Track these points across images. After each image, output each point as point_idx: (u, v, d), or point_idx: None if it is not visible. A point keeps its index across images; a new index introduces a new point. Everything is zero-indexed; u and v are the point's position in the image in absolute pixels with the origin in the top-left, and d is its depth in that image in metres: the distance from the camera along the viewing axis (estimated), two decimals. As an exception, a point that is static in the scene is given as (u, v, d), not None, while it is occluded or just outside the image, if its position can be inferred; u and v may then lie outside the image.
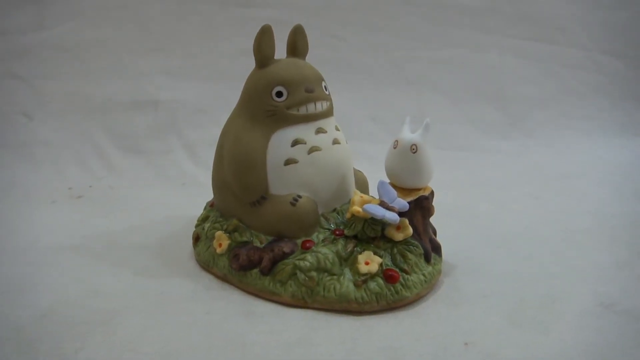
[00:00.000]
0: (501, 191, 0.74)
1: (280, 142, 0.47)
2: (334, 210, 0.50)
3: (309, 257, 0.46)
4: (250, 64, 0.91)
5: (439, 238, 0.53)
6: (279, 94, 0.47)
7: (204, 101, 0.86)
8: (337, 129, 0.51)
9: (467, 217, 0.65)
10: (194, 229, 0.56)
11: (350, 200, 0.51)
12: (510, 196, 0.72)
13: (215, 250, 0.50)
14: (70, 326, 0.43)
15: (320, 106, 0.49)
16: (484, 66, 0.93)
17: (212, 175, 0.53)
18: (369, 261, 0.45)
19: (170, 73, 0.86)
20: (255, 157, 0.47)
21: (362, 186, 0.54)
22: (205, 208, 0.57)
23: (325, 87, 0.50)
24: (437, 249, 0.49)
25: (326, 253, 0.46)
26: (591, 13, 0.95)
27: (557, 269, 0.52)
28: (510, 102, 0.92)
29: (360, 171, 0.56)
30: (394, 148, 0.47)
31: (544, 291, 0.47)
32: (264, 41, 0.48)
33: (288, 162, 0.47)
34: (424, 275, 0.46)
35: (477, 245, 0.57)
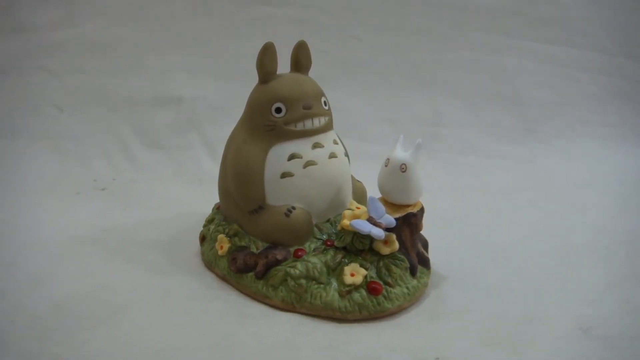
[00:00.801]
0: (505, 199, 0.74)
1: (278, 156, 0.50)
2: (328, 220, 0.53)
3: (299, 265, 0.49)
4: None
5: (433, 247, 0.55)
6: (278, 110, 0.50)
7: (224, 99, 0.89)
8: (336, 143, 0.53)
9: (465, 226, 0.66)
10: (202, 228, 0.60)
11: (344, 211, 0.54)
12: (513, 205, 0.73)
13: (217, 251, 0.54)
14: (81, 318, 0.48)
15: (318, 122, 0.51)
16: (502, 69, 0.92)
17: (218, 182, 0.56)
18: (354, 273, 0.48)
19: (191, 71, 0.90)
20: (253, 170, 0.50)
21: (360, 196, 0.57)
22: (213, 209, 0.61)
23: (325, 102, 0.53)
24: (424, 262, 0.52)
25: (315, 263, 0.49)
26: (615, 16, 0.92)
27: (544, 287, 0.53)
28: (527, 107, 0.92)
29: (359, 181, 0.58)
30: (385, 166, 0.49)
31: (525, 310, 0.49)
32: (266, 58, 0.51)
33: (284, 175, 0.50)
34: (407, 288, 0.49)
35: (470, 256, 0.59)
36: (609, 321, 0.47)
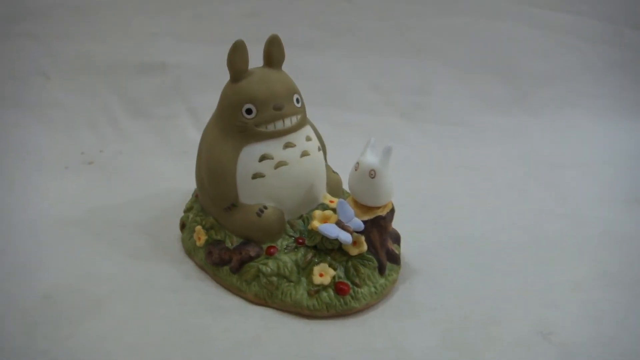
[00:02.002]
0: (486, 179, 0.74)
1: (249, 157, 0.51)
2: (301, 217, 0.54)
3: (270, 263, 0.51)
4: (256, 26, 0.91)
5: (406, 235, 0.56)
6: (249, 111, 0.50)
7: (209, 64, 0.87)
8: (309, 139, 0.53)
9: (441, 211, 0.67)
10: (183, 213, 0.61)
11: (317, 205, 0.55)
12: (494, 186, 0.73)
13: (195, 241, 0.56)
14: (66, 310, 0.50)
15: (290, 122, 0.51)
16: (496, 36, 0.89)
17: (195, 172, 0.57)
18: (323, 273, 0.50)
19: (176, 35, 0.88)
20: (225, 170, 0.51)
21: (335, 188, 0.57)
22: (191, 197, 0.62)
23: (297, 99, 0.52)
24: (394, 259, 0.53)
25: (286, 261, 0.50)
26: (620, -19, 0.88)
27: (510, 286, 0.54)
28: (519, 77, 0.89)
29: (335, 173, 0.59)
30: (355, 170, 0.50)
31: (489, 311, 0.50)
32: (236, 57, 0.50)
33: (255, 176, 0.51)
34: (375, 287, 0.50)
35: (442, 248, 0.60)
36: (570, 326, 0.49)
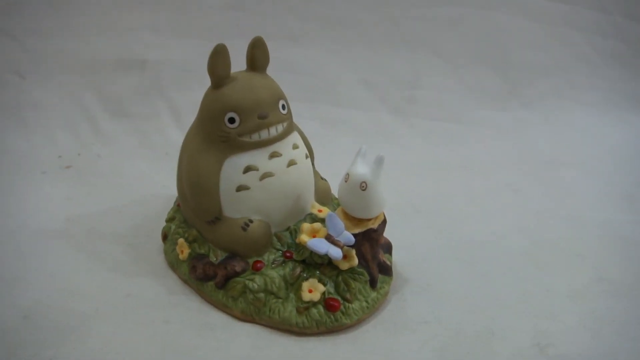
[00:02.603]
0: (481, 178, 0.73)
1: (233, 168, 0.48)
2: (288, 229, 0.51)
3: (257, 279, 0.48)
4: (239, 18, 0.87)
5: (398, 242, 0.54)
6: (232, 121, 0.47)
7: (191, 60, 0.84)
8: (296, 147, 0.51)
9: (435, 214, 0.65)
10: (164, 223, 0.59)
11: (306, 216, 0.53)
12: (489, 187, 0.71)
13: (178, 254, 0.54)
14: (47, 330, 0.48)
15: (275, 130, 0.48)
16: (489, 27, 0.87)
17: (177, 182, 0.54)
18: (312, 289, 0.47)
19: (156, 30, 0.84)
20: (207, 182, 0.48)
21: (323, 195, 0.55)
22: (173, 205, 0.59)
23: (283, 105, 0.49)
24: (386, 270, 0.51)
25: (273, 277, 0.48)
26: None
27: (505, 296, 0.52)
28: (513, 69, 0.87)
29: (324, 179, 0.56)
30: (345, 181, 0.47)
31: (484, 323, 0.49)
32: (217, 62, 0.47)
33: (240, 188, 0.48)
34: (367, 302, 0.48)
35: (435, 255, 0.58)
36: (566, 338, 0.47)
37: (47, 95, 0.81)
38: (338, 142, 0.71)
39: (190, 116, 0.81)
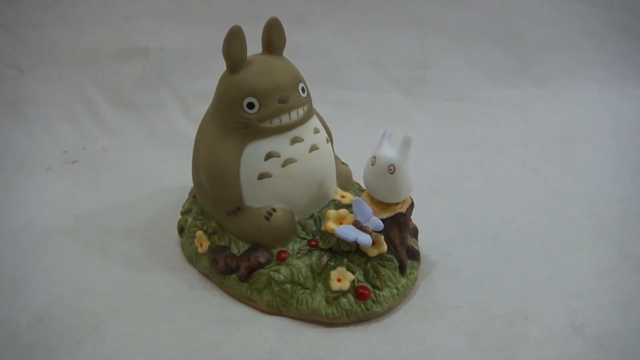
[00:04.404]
0: (496, 157, 0.71)
1: (254, 155, 0.46)
2: (312, 216, 0.50)
3: (283, 270, 0.46)
4: (242, 2, 0.85)
5: (420, 224, 0.53)
6: (251, 106, 0.45)
7: (195, 47, 0.82)
8: (317, 131, 0.49)
9: (454, 195, 0.63)
10: (180, 215, 0.57)
11: (329, 202, 0.51)
12: (505, 166, 0.69)
13: (197, 248, 0.52)
14: (63, 332, 0.46)
15: (296, 114, 0.46)
16: (497, 3, 0.85)
17: (192, 173, 0.52)
18: (341, 278, 0.46)
19: (158, 17, 0.81)
20: (227, 171, 0.46)
21: (345, 181, 0.53)
22: (189, 196, 0.57)
23: (302, 88, 0.47)
24: (414, 256, 0.49)
25: (300, 267, 0.46)
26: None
27: (534, 276, 0.51)
28: (522, 45, 0.85)
29: (344, 164, 0.55)
30: (372, 165, 0.45)
31: (514, 305, 0.48)
32: (233, 45, 0.45)
33: (262, 176, 0.46)
34: (397, 288, 0.47)
35: (458, 237, 0.56)
36: (601, 316, 0.46)
37: (47, 89, 0.78)
38: (350, 126, 0.69)
39: (197, 104, 0.80)
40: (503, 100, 0.82)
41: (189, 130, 0.77)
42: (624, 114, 0.80)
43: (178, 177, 0.66)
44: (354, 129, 0.73)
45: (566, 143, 0.74)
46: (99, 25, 0.80)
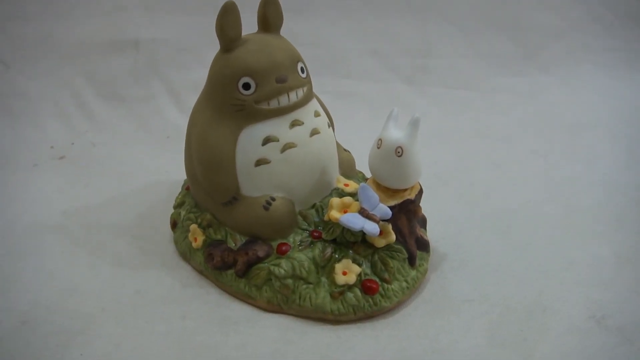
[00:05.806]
0: (504, 146, 0.68)
1: (250, 140, 0.43)
2: (313, 206, 0.46)
3: (284, 263, 0.43)
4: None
5: (429, 215, 0.50)
6: (246, 86, 0.42)
7: (187, 38, 0.79)
8: (317, 114, 0.46)
9: (463, 185, 0.61)
10: (172, 209, 0.54)
11: (331, 191, 0.48)
12: (514, 154, 0.66)
13: (191, 243, 0.48)
14: (49, 336, 0.42)
15: (295, 96, 0.43)
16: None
17: (185, 162, 0.49)
18: (347, 271, 0.42)
19: (148, 7, 0.78)
20: (222, 158, 0.43)
21: (348, 168, 0.50)
22: (181, 189, 0.54)
23: (302, 68, 0.44)
24: (424, 246, 0.46)
25: (302, 260, 0.43)
26: None
27: (551, 265, 0.48)
28: (527, 32, 0.82)
29: (346, 151, 0.52)
30: (378, 148, 0.42)
31: (533, 296, 0.45)
32: (227, 22, 0.41)
33: (259, 162, 0.43)
34: (406, 281, 0.44)
35: (469, 227, 0.53)
36: (622, 307, 0.43)
37: (34, 83, 0.75)
38: (352, 115, 0.66)
39: (189, 96, 0.76)
40: (509, 88, 0.79)
41: (182, 122, 0.73)
42: (632, 99, 0.78)
43: (171, 172, 0.63)
44: (356, 120, 0.70)
45: (575, 130, 0.71)
46: (88, 17, 0.77)
